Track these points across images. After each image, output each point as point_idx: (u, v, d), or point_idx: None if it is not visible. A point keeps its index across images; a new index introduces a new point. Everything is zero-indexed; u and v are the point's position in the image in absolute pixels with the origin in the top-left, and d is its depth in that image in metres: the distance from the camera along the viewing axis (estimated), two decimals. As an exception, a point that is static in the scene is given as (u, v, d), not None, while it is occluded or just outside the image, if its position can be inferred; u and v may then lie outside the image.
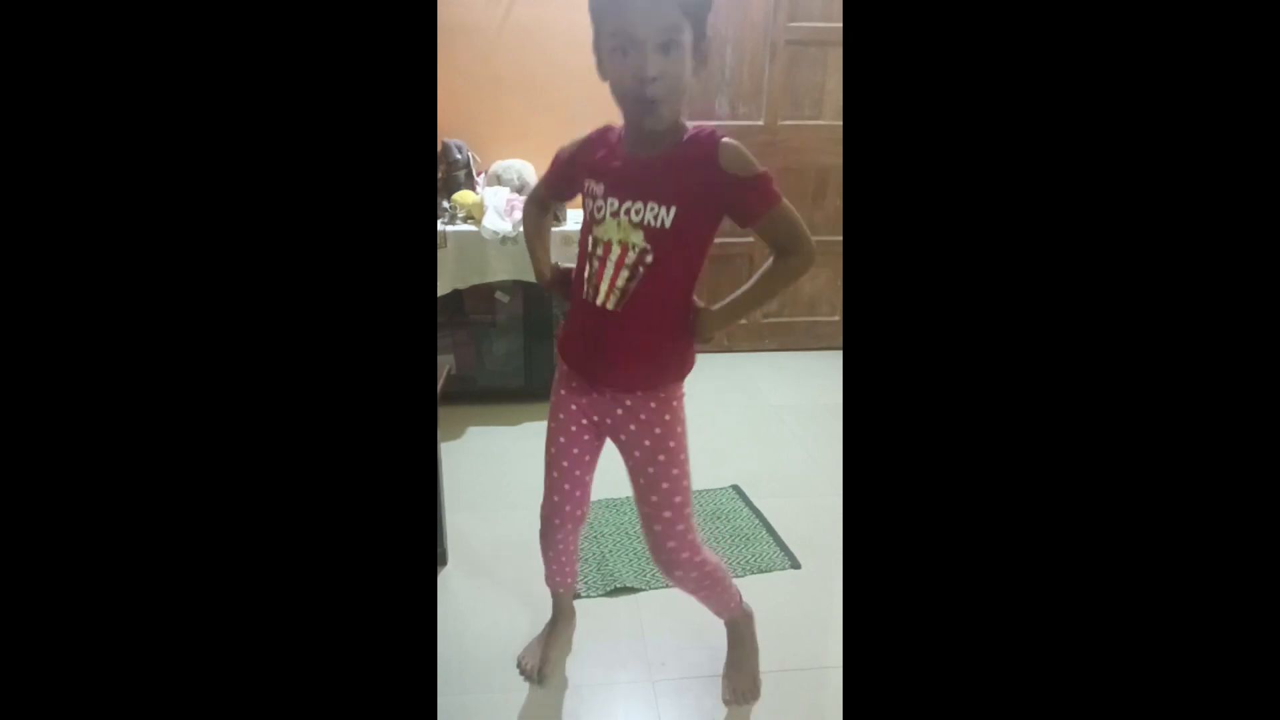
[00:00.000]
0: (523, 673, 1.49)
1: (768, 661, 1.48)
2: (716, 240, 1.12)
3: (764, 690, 1.45)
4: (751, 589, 1.47)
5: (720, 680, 1.47)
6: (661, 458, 1.21)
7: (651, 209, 1.06)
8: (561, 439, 1.28)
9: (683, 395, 1.23)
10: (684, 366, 1.21)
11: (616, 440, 1.25)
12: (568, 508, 1.34)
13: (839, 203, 3.10)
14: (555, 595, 1.53)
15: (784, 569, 1.84)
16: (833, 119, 2.97)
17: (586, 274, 1.15)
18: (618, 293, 1.11)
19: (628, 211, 1.08)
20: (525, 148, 2.71)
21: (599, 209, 1.11)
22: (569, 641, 1.56)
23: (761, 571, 1.82)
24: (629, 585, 1.75)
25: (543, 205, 1.34)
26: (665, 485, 1.22)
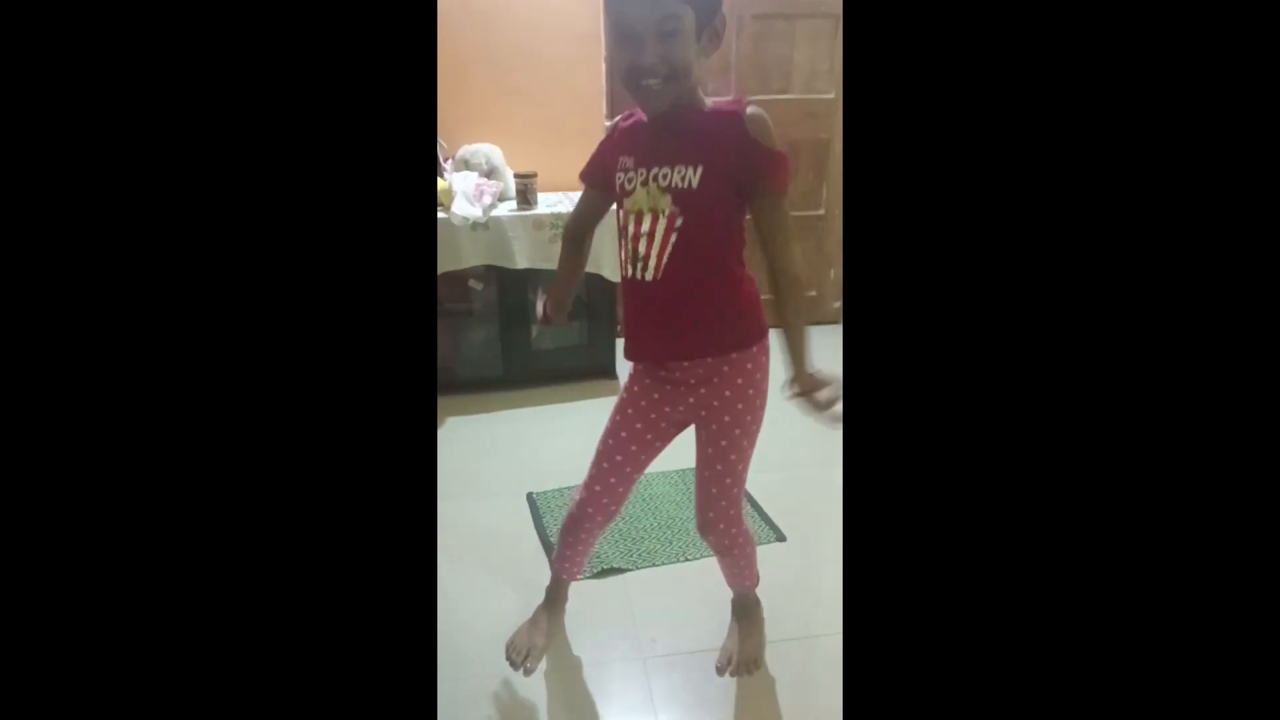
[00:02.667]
0: (511, 661, 1.49)
1: (756, 634, 1.49)
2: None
3: (754, 662, 1.46)
4: (738, 564, 1.48)
5: (712, 654, 1.48)
6: (724, 442, 1.22)
7: (679, 171, 1.06)
8: (621, 434, 1.26)
9: (753, 371, 1.20)
10: (739, 335, 1.17)
11: (694, 417, 1.25)
12: (604, 500, 1.31)
13: (809, 176, 3.09)
14: (557, 581, 1.50)
15: (769, 542, 1.86)
16: (801, 93, 2.96)
17: (625, 254, 1.13)
18: (654, 261, 1.10)
19: (655, 178, 1.08)
20: (492, 130, 2.67)
21: (629, 180, 1.11)
22: (560, 627, 1.56)
23: (747, 546, 1.84)
24: (617, 566, 1.76)
25: (586, 228, 1.31)
26: (720, 467, 1.24)
